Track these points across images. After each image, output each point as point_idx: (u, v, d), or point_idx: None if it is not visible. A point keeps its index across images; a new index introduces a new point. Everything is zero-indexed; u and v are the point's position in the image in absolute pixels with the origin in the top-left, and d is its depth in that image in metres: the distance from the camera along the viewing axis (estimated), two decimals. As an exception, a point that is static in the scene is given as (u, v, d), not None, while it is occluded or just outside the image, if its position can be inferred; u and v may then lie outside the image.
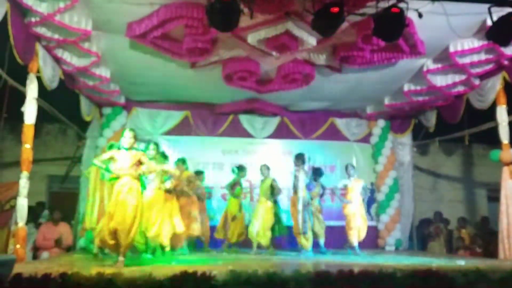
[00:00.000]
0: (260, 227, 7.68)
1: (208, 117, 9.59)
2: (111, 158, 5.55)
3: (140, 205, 5.42)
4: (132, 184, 5.38)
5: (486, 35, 5.71)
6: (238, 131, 9.65)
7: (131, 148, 5.56)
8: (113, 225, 5.13)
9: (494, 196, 8.17)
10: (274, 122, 9.77)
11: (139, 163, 5.54)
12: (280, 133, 9.83)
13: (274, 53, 6.46)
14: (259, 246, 7.74)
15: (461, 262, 5.99)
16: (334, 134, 9.98)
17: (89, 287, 3.41)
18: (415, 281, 3.75)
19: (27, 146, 5.91)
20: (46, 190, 10.16)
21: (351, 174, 8.07)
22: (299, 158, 7.65)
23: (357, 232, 7.74)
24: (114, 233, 5.15)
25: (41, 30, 5.74)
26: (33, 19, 5.51)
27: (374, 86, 8.16)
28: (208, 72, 7.33)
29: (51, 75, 6.34)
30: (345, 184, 8.14)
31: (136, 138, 5.67)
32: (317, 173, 8.08)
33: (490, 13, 5.31)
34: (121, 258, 5.19)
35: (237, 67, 7.03)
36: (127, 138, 5.53)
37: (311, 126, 9.90)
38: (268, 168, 8.06)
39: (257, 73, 7.19)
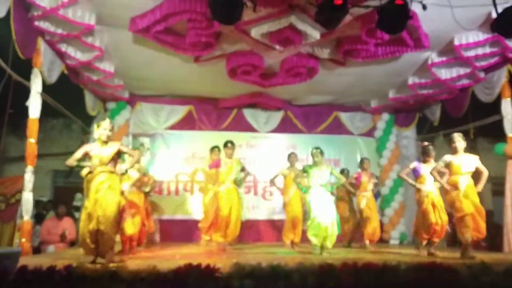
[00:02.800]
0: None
1: (212, 112, 9.61)
2: (85, 154, 4.94)
3: (121, 203, 5.00)
4: (112, 180, 4.85)
5: (491, 27, 5.67)
6: (242, 126, 9.64)
7: (107, 141, 5.00)
8: (94, 226, 4.64)
9: (498, 189, 8.13)
10: (277, 116, 9.75)
11: (118, 155, 5.05)
12: (284, 127, 9.82)
13: (277, 47, 6.44)
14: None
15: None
16: (338, 128, 9.96)
17: (93, 279, 3.43)
18: (419, 274, 3.74)
19: (32, 140, 5.94)
20: (51, 184, 10.24)
21: (459, 147, 5.78)
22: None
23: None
24: (95, 235, 4.69)
25: (44, 25, 5.76)
26: (36, 13, 5.53)
27: (378, 79, 8.14)
28: (211, 66, 7.33)
29: (50, 70, 6.34)
30: (447, 161, 5.82)
31: (113, 129, 5.15)
32: (426, 152, 6.47)
33: (495, 5, 5.27)
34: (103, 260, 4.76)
35: (240, 61, 7.02)
36: (106, 130, 4.98)
37: (315, 120, 9.89)
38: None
39: (261, 67, 7.18)
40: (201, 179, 8.33)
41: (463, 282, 3.65)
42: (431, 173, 6.03)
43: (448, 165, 5.85)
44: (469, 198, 5.64)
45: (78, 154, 4.91)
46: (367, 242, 7.65)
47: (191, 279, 3.45)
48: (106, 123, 5.03)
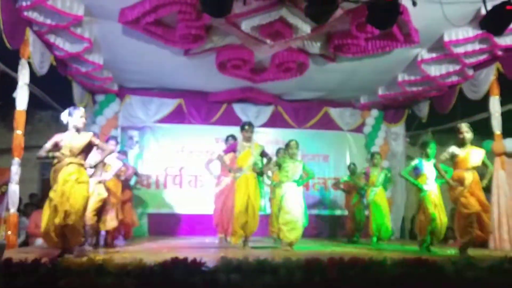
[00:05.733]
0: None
1: (202, 105, 9.57)
2: (56, 145, 4.74)
3: (88, 197, 4.83)
4: (80, 173, 4.65)
5: (480, 24, 5.67)
6: (231, 120, 9.59)
7: (79, 130, 4.81)
8: (61, 220, 4.44)
9: (486, 186, 8.23)
10: (268, 111, 9.75)
11: (90, 147, 4.86)
12: (274, 122, 9.83)
13: (268, 41, 6.42)
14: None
15: (451, 251, 6.03)
16: (327, 124, 9.99)
17: (79, 272, 3.40)
18: (404, 269, 3.76)
19: (19, 132, 5.88)
20: (39, 177, 10.14)
21: (468, 138, 5.37)
22: None
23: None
24: (62, 229, 4.50)
25: (33, 15, 5.68)
26: (24, 3, 5.46)
27: (368, 76, 8.15)
28: (201, 59, 7.29)
29: (41, 61, 6.26)
30: (452, 153, 5.44)
31: (86, 119, 4.98)
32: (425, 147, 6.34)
33: (484, 2, 5.29)
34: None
35: (230, 55, 7.00)
36: (77, 118, 4.78)
37: (305, 116, 9.92)
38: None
39: (251, 61, 7.16)
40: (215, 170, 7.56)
41: (448, 278, 3.67)
42: (435, 166, 5.74)
43: (453, 158, 5.45)
44: (475, 194, 5.28)
45: (48, 144, 4.73)
46: (374, 238, 7.58)
47: (178, 272, 3.44)
48: (81, 111, 4.86)
